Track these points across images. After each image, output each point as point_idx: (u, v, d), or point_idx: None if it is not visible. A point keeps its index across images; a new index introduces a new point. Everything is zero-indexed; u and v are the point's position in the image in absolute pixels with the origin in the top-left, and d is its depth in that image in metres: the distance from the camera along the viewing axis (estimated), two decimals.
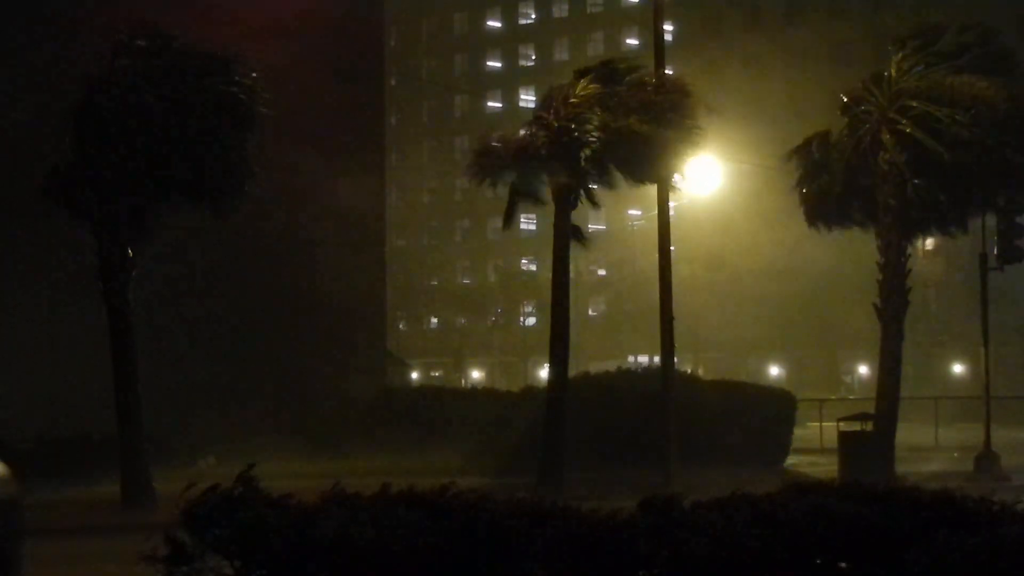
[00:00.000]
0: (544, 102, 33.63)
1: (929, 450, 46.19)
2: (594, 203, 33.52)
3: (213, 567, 10.46)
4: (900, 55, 35.71)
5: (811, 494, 10.90)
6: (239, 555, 10.36)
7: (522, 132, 33.65)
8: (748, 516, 10.38)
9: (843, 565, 10.45)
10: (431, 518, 10.41)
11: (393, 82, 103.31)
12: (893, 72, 35.58)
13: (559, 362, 33.58)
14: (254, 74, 30.90)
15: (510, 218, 34.24)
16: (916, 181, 34.26)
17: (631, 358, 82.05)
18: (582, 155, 32.45)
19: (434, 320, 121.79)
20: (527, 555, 10.20)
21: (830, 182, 35.69)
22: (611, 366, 47.52)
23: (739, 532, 10.14)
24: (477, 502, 10.59)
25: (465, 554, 10.27)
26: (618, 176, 33.05)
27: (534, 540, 10.25)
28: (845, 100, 36.47)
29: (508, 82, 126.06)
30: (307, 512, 10.61)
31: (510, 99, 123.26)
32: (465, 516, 10.40)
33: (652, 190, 34.67)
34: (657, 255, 34.74)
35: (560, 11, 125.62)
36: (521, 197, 33.49)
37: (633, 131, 31.81)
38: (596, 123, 32.02)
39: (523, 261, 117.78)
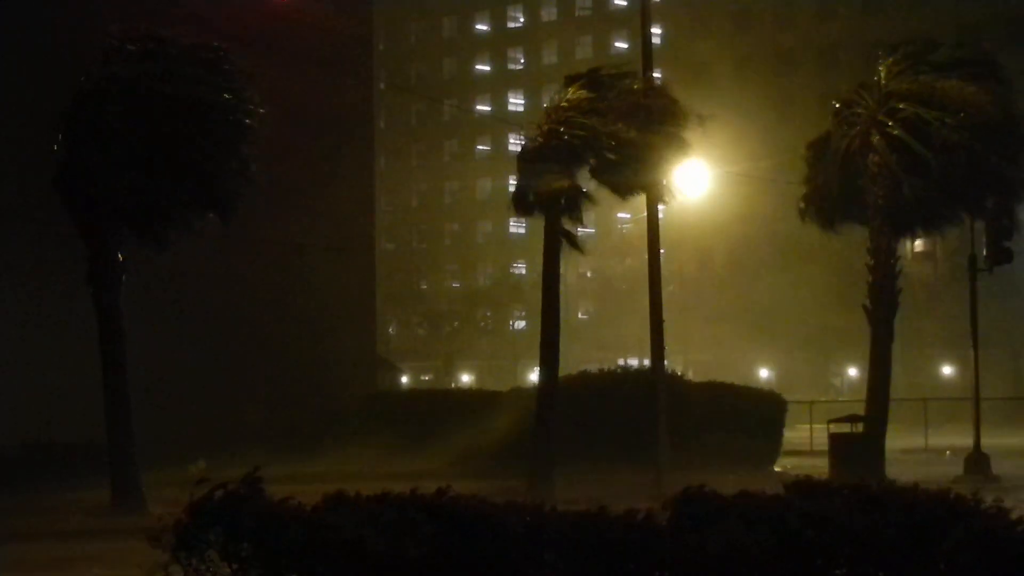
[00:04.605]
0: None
1: (919, 452, 46.25)
2: (579, 207, 33.49)
3: (210, 567, 10.55)
4: (890, 59, 35.79)
5: (813, 497, 10.87)
6: (240, 556, 10.45)
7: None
8: (755, 518, 10.35)
9: (839, 572, 10.46)
10: (437, 523, 10.47)
11: (382, 86, 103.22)
12: (883, 75, 35.65)
13: (549, 365, 33.61)
14: (246, 77, 30.92)
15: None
16: (908, 182, 34.31)
17: (620, 360, 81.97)
18: (571, 159, 32.53)
19: (424, 324, 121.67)
20: (536, 558, 10.23)
21: (826, 184, 35.77)
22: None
23: (750, 535, 10.13)
24: (478, 506, 10.63)
25: (473, 559, 10.32)
26: (608, 180, 33.07)
27: (543, 543, 10.27)
28: (836, 105, 36.56)
29: (497, 86, 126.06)
30: (313, 515, 10.68)
31: (499, 102, 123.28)
32: (470, 521, 10.45)
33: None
34: (647, 257, 34.76)
35: (549, 15, 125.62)
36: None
37: (622, 136, 31.87)
38: (585, 127, 32.09)
39: (513, 264, 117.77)
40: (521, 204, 33.57)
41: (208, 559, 10.64)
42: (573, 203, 32.88)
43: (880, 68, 35.78)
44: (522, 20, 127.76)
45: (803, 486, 11.25)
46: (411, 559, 10.18)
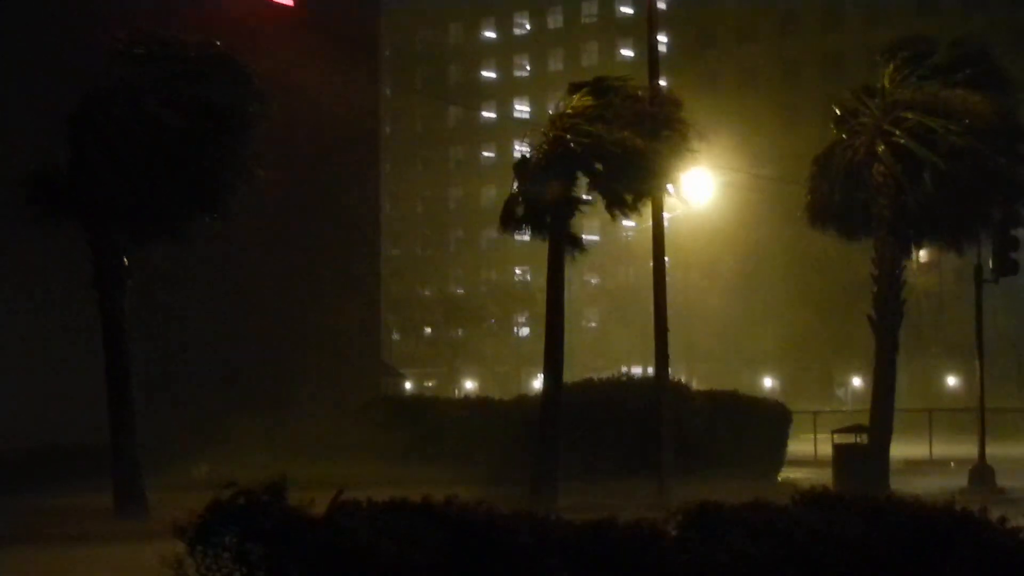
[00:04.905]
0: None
1: (924, 463, 46.15)
2: (581, 209, 33.43)
3: (222, 567, 10.62)
4: (891, 66, 35.69)
5: (821, 508, 10.84)
6: (251, 560, 10.48)
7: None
8: (762, 531, 10.33)
9: None
10: (446, 532, 10.48)
11: (388, 92, 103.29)
12: (886, 83, 35.55)
13: (553, 373, 33.55)
14: (251, 79, 30.91)
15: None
16: (913, 192, 34.23)
17: (624, 368, 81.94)
18: (576, 165, 32.51)
19: (428, 330, 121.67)
20: (543, 568, 10.23)
21: (830, 194, 35.67)
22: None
23: (756, 547, 10.11)
24: (487, 515, 10.64)
25: (481, 567, 10.34)
26: (613, 187, 33.01)
27: (551, 553, 10.27)
28: (838, 112, 36.45)
29: (502, 92, 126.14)
30: (326, 521, 10.70)
31: (504, 109, 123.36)
32: (478, 530, 10.46)
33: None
34: (652, 265, 34.71)
35: (555, 22, 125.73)
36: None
37: (627, 143, 31.82)
38: (591, 135, 32.04)
39: (517, 271, 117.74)
40: (512, 217, 33.40)
41: (222, 560, 10.68)
42: (610, 197, 32.85)
43: (883, 74, 35.67)
44: (528, 27, 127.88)
45: (813, 498, 11.22)
46: (420, 566, 10.19)
